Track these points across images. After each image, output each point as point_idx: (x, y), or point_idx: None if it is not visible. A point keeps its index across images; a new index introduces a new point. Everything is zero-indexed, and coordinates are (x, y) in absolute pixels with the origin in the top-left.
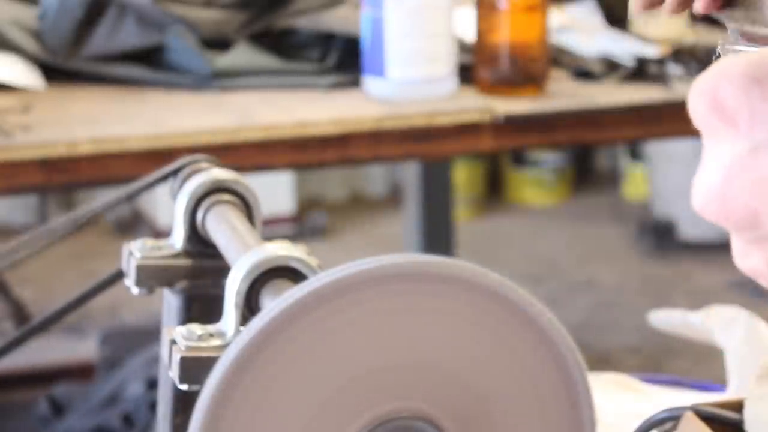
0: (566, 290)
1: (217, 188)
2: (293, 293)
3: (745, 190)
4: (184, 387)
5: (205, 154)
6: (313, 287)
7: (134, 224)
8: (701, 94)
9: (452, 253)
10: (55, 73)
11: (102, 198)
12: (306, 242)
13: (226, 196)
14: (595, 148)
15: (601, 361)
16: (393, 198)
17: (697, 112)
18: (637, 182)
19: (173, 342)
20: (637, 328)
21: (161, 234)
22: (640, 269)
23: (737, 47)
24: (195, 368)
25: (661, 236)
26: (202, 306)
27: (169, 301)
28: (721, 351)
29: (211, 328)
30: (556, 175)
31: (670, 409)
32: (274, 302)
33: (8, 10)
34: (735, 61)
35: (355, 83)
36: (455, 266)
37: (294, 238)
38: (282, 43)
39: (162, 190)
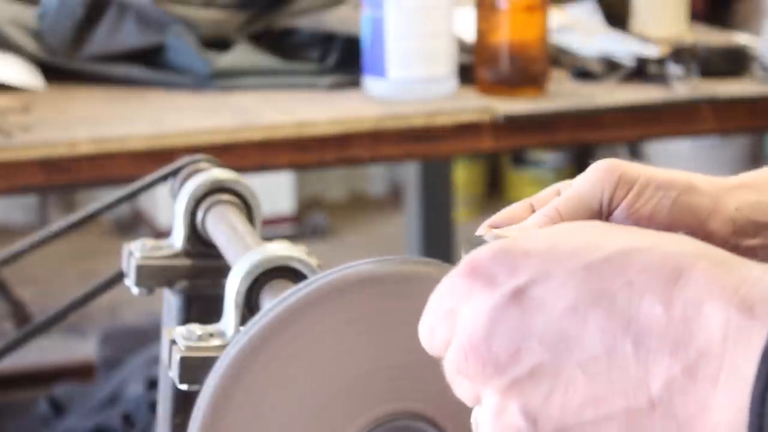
0: None
1: (217, 188)
2: (292, 293)
3: (510, 329)
4: (184, 387)
5: (205, 154)
6: (312, 287)
7: (134, 224)
8: (458, 269)
9: (452, 252)
10: (55, 73)
11: (102, 198)
12: (306, 242)
13: (226, 196)
14: (595, 148)
15: None
16: (393, 198)
17: (452, 280)
18: None
19: (173, 342)
20: None
21: (161, 234)
22: None
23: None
24: (195, 368)
25: None
26: (202, 306)
27: (169, 301)
28: None
29: (211, 328)
30: (556, 175)
31: None
32: (273, 302)
33: (8, 10)
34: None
35: (355, 83)
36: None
37: (294, 238)
38: (282, 43)
39: (162, 190)
